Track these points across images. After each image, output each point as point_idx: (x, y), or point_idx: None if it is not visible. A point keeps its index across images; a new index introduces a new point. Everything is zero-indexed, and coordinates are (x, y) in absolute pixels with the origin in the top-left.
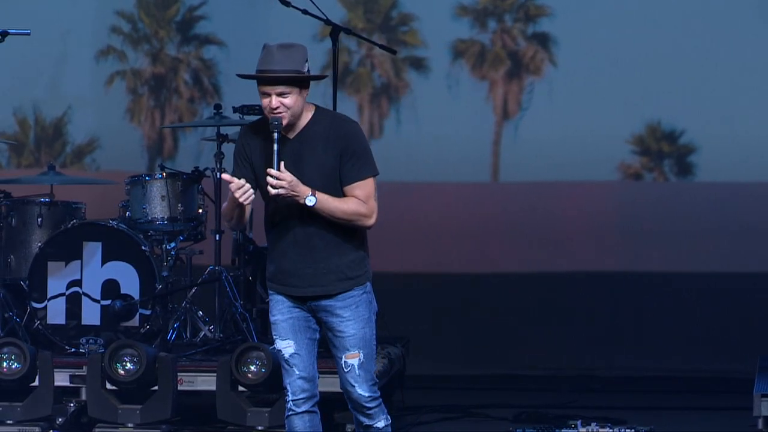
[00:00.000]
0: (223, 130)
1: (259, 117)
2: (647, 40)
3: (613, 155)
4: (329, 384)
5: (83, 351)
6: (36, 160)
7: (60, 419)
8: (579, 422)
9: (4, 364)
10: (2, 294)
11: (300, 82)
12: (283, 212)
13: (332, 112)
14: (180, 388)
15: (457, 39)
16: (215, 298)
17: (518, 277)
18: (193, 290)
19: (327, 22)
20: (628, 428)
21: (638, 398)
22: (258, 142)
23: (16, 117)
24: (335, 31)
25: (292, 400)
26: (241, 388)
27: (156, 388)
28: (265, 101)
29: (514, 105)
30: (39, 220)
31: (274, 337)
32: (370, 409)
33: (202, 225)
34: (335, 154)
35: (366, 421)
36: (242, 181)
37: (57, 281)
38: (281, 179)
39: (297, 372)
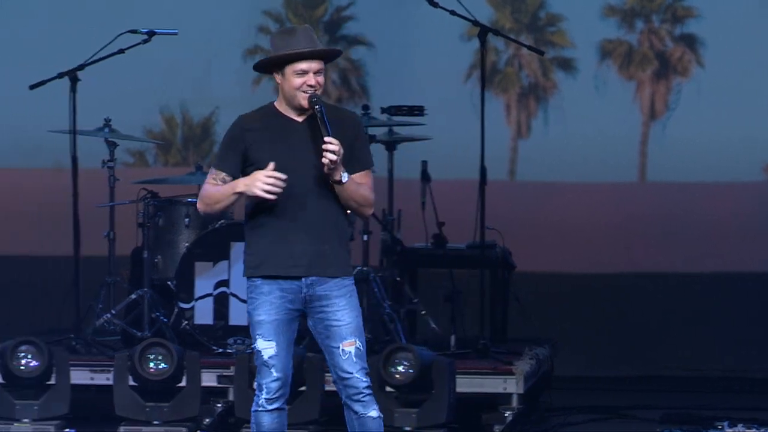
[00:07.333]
0: (371, 130)
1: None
2: None
3: (759, 156)
4: (476, 385)
5: (231, 351)
6: (183, 159)
7: (207, 420)
8: (726, 423)
9: (152, 364)
10: (149, 294)
11: (329, 61)
12: (293, 193)
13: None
14: (327, 388)
15: (605, 39)
16: (363, 298)
17: (666, 277)
18: None
19: (475, 22)
20: None
21: None
22: (264, 129)
23: (162, 115)
24: (483, 31)
25: (266, 399)
26: (388, 389)
27: (304, 388)
28: (300, 80)
29: (662, 105)
30: (186, 220)
31: (257, 336)
32: (365, 395)
33: (351, 225)
34: (348, 139)
35: (361, 410)
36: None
37: (204, 281)
38: (337, 145)
39: (275, 374)
